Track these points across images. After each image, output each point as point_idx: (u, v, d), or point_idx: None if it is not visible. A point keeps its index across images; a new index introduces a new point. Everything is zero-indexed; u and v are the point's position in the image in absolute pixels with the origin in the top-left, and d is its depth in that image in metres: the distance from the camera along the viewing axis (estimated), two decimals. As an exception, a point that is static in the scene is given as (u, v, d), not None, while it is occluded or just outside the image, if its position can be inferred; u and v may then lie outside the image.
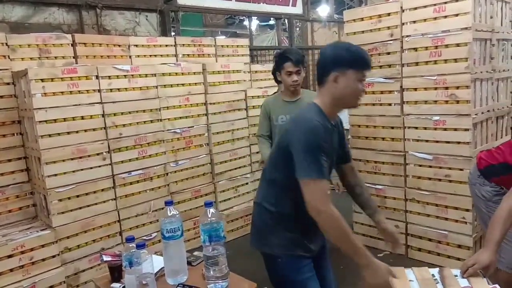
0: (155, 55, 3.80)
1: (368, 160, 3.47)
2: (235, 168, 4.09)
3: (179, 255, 1.74)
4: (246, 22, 6.83)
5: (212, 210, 1.69)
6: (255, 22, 7.63)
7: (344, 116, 3.91)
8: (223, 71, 3.97)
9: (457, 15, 2.84)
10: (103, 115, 3.13)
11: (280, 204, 1.66)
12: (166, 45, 3.91)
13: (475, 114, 2.90)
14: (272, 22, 7.28)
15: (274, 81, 3.05)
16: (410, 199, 3.24)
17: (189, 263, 1.86)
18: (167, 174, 3.55)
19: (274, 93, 3.59)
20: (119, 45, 3.60)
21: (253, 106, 4.17)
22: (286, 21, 6.42)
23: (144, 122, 3.38)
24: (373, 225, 3.60)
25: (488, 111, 3.09)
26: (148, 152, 3.41)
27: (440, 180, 3.04)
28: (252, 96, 4.18)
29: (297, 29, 6.84)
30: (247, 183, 4.19)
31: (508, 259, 2.23)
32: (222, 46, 4.34)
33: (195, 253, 1.97)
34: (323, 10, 7.45)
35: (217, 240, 1.66)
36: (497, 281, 2.28)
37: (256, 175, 4.19)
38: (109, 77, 3.16)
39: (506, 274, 2.29)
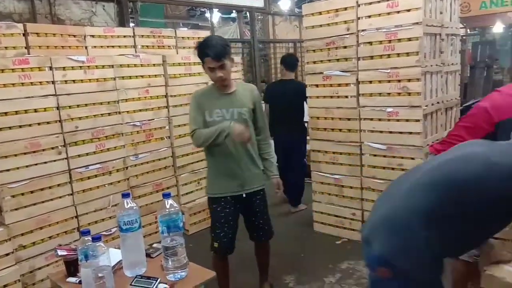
0: (113, 46, 3.69)
1: (326, 151, 3.57)
2: (197, 161, 4.08)
3: (137, 247, 1.74)
4: (208, 14, 6.77)
5: (170, 201, 1.70)
6: (217, 15, 7.58)
7: (304, 108, 3.99)
8: (184, 63, 3.93)
9: (409, 10, 2.96)
10: (57, 108, 3.02)
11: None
12: (124, 36, 3.80)
13: (426, 106, 3.05)
14: (234, 14, 7.27)
15: None
16: (366, 188, 3.37)
17: (148, 255, 1.86)
18: (126, 168, 3.49)
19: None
20: (74, 36, 3.47)
21: (215, 98, 4.16)
22: (248, 13, 6.43)
23: (102, 114, 3.30)
24: (331, 214, 3.74)
25: (438, 102, 3.26)
26: (106, 146, 3.33)
27: (393, 169, 3.19)
28: (214, 89, 4.17)
29: (259, 22, 6.87)
30: (209, 176, 4.19)
31: None
32: (183, 37, 4.28)
33: (154, 245, 1.98)
34: (284, 4, 7.50)
35: (176, 231, 1.68)
36: (454, 271, 2.39)
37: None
38: (64, 68, 3.05)
39: (463, 264, 2.41)
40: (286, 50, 6.80)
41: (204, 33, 4.61)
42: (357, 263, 3.16)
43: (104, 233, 3.25)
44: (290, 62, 4.29)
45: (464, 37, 9.90)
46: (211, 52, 2.27)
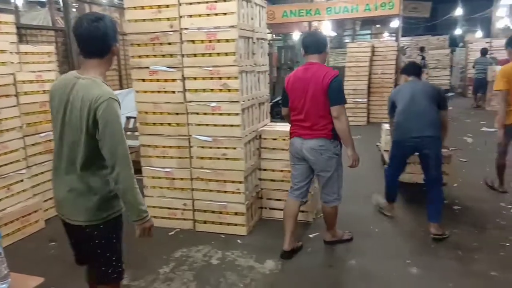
0: None
1: (156, 146, 3.62)
2: (6, 164, 3.56)
3: None
4: (8, -5, 5.81)
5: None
6: (20, -4, 6.59)
7: (131, 103, 3.93)
8: (-19, 50, 3.36)
9: (225, 14, 3.25)
10: None
11: None
12: None
13: (243, 101, 3.43)
14: (42, -2, 6.46)
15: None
16: (195, 178, 3.58)
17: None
18: None
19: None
20: None
21: (25, 92, 3.70)
22: (61, 0, 5.82)
23: None
24: (163, 207, 3.81)
25: (253, 98, 3.69)
26: None
27: (219, 158, 3.48)
28: (23, 81, 3.69)
29: (74, 9, 6.30)
30: (22, 180, 3.71)
31: (338, 193, 3.10)
32: (-23, 21, 3.64)
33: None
34: (103, -7, 7.09)
35: (-8, 240, 1.49)
36: (326, 214, 3.23)
37: (33, 170, 3.77)
38: None
39: (334, 209, 3.16)
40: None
41: (7, 17, 4.00)
42: (190, 250, 3.34)
43: None
44: None
45: (270, 42, 11.31)
46: None
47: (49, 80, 3.89)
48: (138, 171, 4.41)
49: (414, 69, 3.73)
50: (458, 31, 20.57)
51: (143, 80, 3.55)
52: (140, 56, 3.51)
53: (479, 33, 18.65)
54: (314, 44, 2.99)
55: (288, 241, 3.15)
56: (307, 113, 2.93)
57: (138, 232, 1.94)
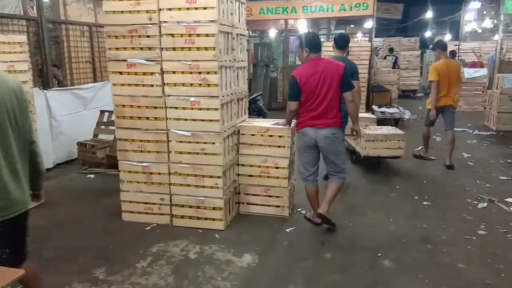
0: None
1: (133, 140, 3.58)
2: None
3: None
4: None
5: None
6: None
7: (105, 96, 3.87)
8: None
9: (205, 8, 3.24)
10: None
11: None
12: None
13: (222, 96, 3.43)
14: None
15: None
16: (173, 173, 3.56)
17: None
18: None
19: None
20: None
21: (-5, 83, 3.56)
22: (32, -13, 5.62)
23: None
24: (140, 202, 3.78)
25: (232, 94, 3.70)
26: None
27: (197, 153, 3.48)
28: (-7, 71, 3.56)
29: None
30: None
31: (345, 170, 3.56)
32: None
33: None
34: (76, -17, 6.87)
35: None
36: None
37: None
38: None
39: (342, 183, 3.57)
40: (80, 33, 6.29)
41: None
42: (167, 244, 3.33)
43: None
44: None
45: (247, 39, 11.30)
46: None
47: (21, 70, 3.77)
48: (113, 166, 4.37)
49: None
50: (428, 34, 21.26)
51: (121, 73, 3.49)
52: (117, 48, 3.46)
53: (448, 36, 19.33)
54: (318, 45, 3.43)
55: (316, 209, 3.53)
56: (322, 103, 3.33)
57: (43, 197, 2.12)
